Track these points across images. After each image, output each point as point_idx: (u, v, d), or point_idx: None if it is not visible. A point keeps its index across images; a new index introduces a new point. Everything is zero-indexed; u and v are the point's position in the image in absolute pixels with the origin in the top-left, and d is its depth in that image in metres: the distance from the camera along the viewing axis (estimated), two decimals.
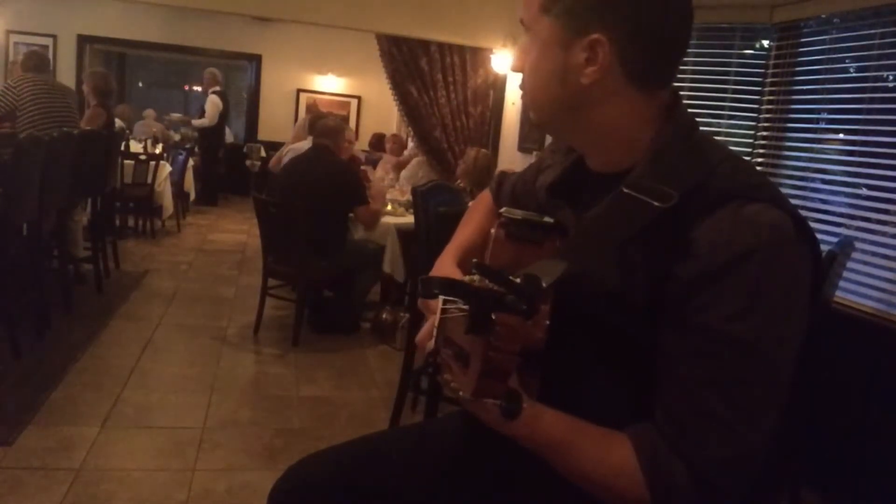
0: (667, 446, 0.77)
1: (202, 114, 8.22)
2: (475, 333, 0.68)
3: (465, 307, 0.69)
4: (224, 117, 8.31)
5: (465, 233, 1.14)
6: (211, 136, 8.21)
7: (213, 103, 8.05)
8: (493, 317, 0.66)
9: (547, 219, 0.90)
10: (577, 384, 0.85)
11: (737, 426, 0.75)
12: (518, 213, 0.89)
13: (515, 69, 0.92)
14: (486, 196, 1.21)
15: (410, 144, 6.46)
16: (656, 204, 0.77)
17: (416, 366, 2.65)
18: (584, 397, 0.83)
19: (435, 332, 0.78)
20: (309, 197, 3.53)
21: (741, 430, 0.75)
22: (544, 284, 0.70)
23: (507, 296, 0.66)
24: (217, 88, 8.15)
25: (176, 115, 8.92)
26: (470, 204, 1.27)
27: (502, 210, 0.91)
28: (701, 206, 0.77)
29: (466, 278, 0.73)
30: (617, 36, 0.80)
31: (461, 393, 0.73)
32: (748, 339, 0.74)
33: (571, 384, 0.84)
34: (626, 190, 0.81)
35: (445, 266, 1.07)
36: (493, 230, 0.90)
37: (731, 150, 0.86)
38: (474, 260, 0.73)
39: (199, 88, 8.54)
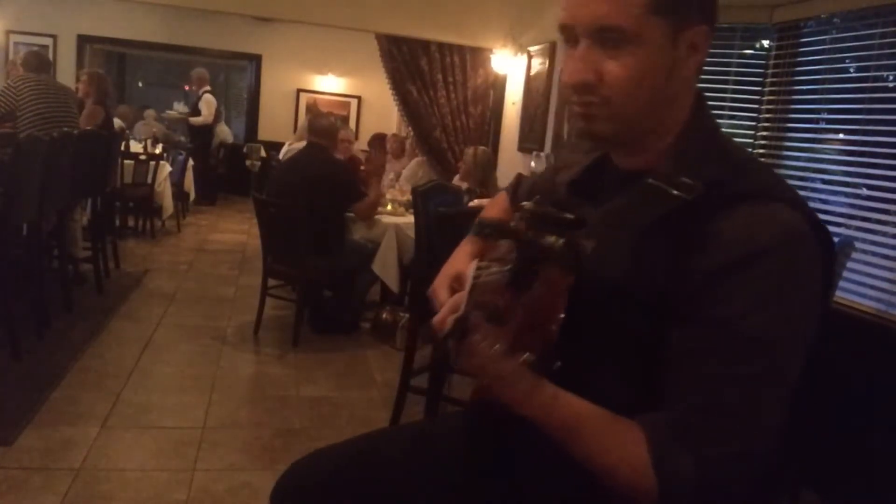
0: (675, 439, 0.77)
1: (196, 112, 8.25)
2: (520, 281, 0.69)
3: (502, 269, 0.70)
4: (217, 115, 8.44)
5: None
6: (205, 134, 8.27)
7: (208, 102, 8.20)
8: (538, 268, 0.68)
9: (567, 214, 0.90)
10: (587, 375, 0.84)
11: (744, 421, 0.75)
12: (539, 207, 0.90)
13: (587, 80, 0.83)
14: (502, 196, 1.23)
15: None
16: (677, 193, 0.78)
17: (416, 366, 2.65)
18: (592, 388, 0.83)
19: (466, 298, 0.79)
20: (303, 195, 3.52)
21: (748, 425, 0.75)
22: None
23: (555, 244, 0.68)
24: (207, 88, 8.28)
25: (172, 112, 8.85)
26: (484, 202, 1.29)
27: (523, 203, 0.90)
28: (721, 201, 0.77)
29: (512, 223, 0.74)
30: (712, 23, 0.84)
31: (496, 347, 0.71)
32: (759, 336, 0.75)
33: (581, 375, 0.83)
34: (650, 180, 0.81)
35: (461, 257, 1.07)
36: (513, 223, 0.90)
37: (752, 152, 0.87)
38: (524, 203, 0.76)
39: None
